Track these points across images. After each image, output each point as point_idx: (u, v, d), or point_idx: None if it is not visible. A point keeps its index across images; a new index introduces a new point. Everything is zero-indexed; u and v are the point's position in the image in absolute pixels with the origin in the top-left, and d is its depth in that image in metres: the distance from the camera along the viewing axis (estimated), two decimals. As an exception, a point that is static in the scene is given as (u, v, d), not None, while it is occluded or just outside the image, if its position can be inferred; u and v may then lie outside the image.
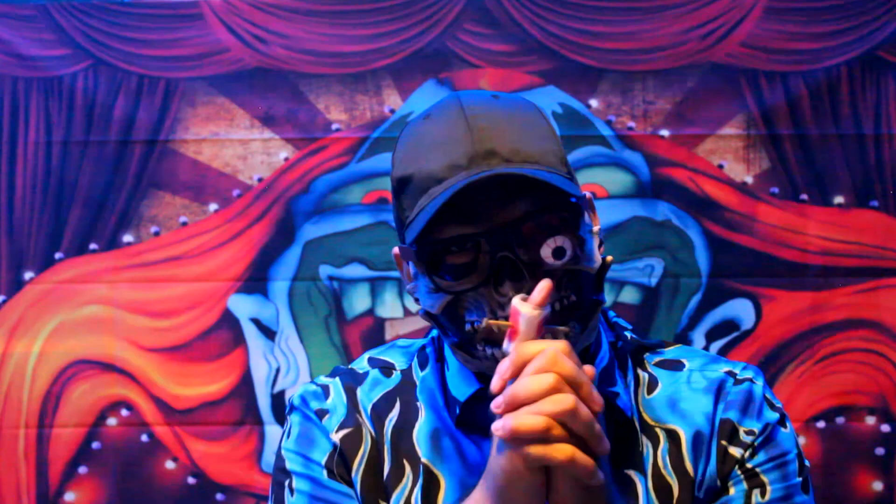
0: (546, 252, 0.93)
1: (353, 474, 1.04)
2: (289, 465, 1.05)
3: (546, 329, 0.86)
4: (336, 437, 1.05)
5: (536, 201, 0.94)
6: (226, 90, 2.12)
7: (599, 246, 1.01)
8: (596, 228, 1.01)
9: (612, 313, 1.13)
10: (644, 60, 2.11)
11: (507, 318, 0.92)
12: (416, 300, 1.02)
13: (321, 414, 1.06)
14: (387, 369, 1.10)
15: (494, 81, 2.10)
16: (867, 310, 2.08)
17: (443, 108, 1.01)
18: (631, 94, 2.11)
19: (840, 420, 2.07)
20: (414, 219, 0.97)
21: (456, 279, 0.95)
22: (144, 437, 2.09)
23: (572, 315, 0.96)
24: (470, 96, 1.01)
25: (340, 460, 1.04)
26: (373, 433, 1.05)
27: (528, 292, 0.91)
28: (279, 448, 1.08)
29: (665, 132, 2.11)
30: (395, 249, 1.04)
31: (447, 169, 0.95)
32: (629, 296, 2.09)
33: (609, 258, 1.01)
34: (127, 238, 2.12)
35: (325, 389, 1.09)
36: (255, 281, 2.10)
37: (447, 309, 0.97)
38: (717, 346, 2.09)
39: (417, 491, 1.03)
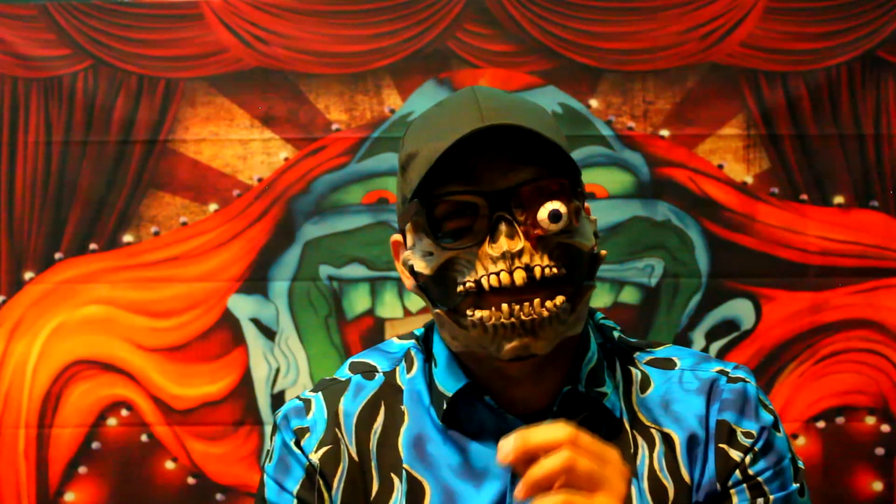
0: (542, 214, 0.94)
1: (333, 493, 1.04)
2: (267, 493, 1.06)
3: None
4: (316, 457, 1.04)
5: (537, 170, 0.96)
6: (226, 90, 2.12)
7: (595, 234, 1.02)
8: (593, 218, 1.02)
9: (598, 315, 1.13)
10: (644, 60, 2.11)
11: (497, 275, 0.93)
12: (410, 269, 1.01)
13: (301, 433, 1.06)
14: (369, 373, 1.10)
15: (494, 81, 2.10)
16: (867, 310, 2.08)
17: (456, 95, 1.04)
18: (631, 94, 2.11)
19: (840, 420, 2.07)
20: (416, 179, 0.98)
21: (453, 242, 0.97)
22: (144, 437, 2.09)
23: (562, 290, 0.96)
24: (483, 88, 1.03)
25: (318, 482, 1.04)
26: (353, 451, 1.05)
27: (521, 252, 0.93)
28: (262, 465, 1.09)
29: (665, 132, 2.11)
30: (395, 236, 1.05)
31: (452, 138, 0.96)
32: (629, 296, 2.09)
33: (604, 252, 1.02)
34: (127, 238, 2.12)
35: (307, 404, 1.08)
36: (255, 281, 2.10)
37: (440, 272, 0.97)
38: (717, 346, 2.09)
39: (402, 499, 1.02)
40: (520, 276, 0.93)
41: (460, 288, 0.96)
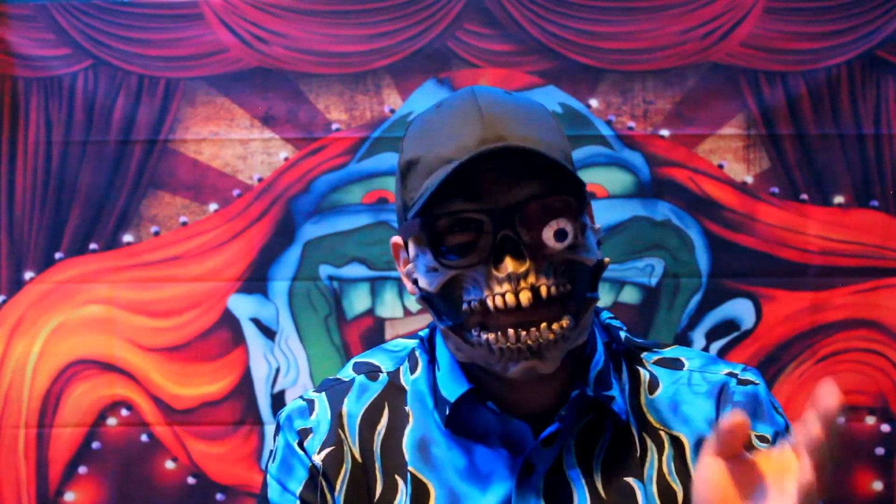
0: (548, 234, 0.94)
1: (336, 494, 1.04)
2: (269, 493, 1.06)
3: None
4: (318, 458, 1.04)
5: (542, 186, 0.94)
6: (226, 90, 2.12)
7: (598, 245, 1.01)
8: (597, 227, 1.01)
9: (605, 314, 1.12)
10: (644, 60, 2.11)
11: (503, 295, 0.92)
12: (414, 282, 1.01)
13: (305, 434, 1.06)
14: (373, 373, 1.09)
15: (494, 81, 2.10)
16: (867, 310, 2.08)
17: (456, 98, 1.01)
18: (631, 94, 2.11)
19: (840, 420, 2.07)
20: (419, 196, 0.97)
21: (457, 259, 0.95)
22: (144, 437, 2.09)
23: (566, 307, 0.96)
24: (483, 89, 1.01)
25: (321, 483, 1.04)
26: (356, 452, 1.04)
27: (527, 273, 0.92)
28: (266, 466, 1.09)
29: (665, 132, 2.11)
30: (395, 238, 1.04)
31: (456, 150, 0.95)
32: (629, 296, 2.09)
33: (607, 259, 1.01)
34: (127, 238, 2.12)
35: (311, 404, 1.08)
36: (255, 281, 2.10)
37: (445, 289, 0.96)
38: (717, 346, 2.09)
39: (406, 501, 1.02)
40: (525, 298, 0.93)
41: (465, 307, 0.96)
